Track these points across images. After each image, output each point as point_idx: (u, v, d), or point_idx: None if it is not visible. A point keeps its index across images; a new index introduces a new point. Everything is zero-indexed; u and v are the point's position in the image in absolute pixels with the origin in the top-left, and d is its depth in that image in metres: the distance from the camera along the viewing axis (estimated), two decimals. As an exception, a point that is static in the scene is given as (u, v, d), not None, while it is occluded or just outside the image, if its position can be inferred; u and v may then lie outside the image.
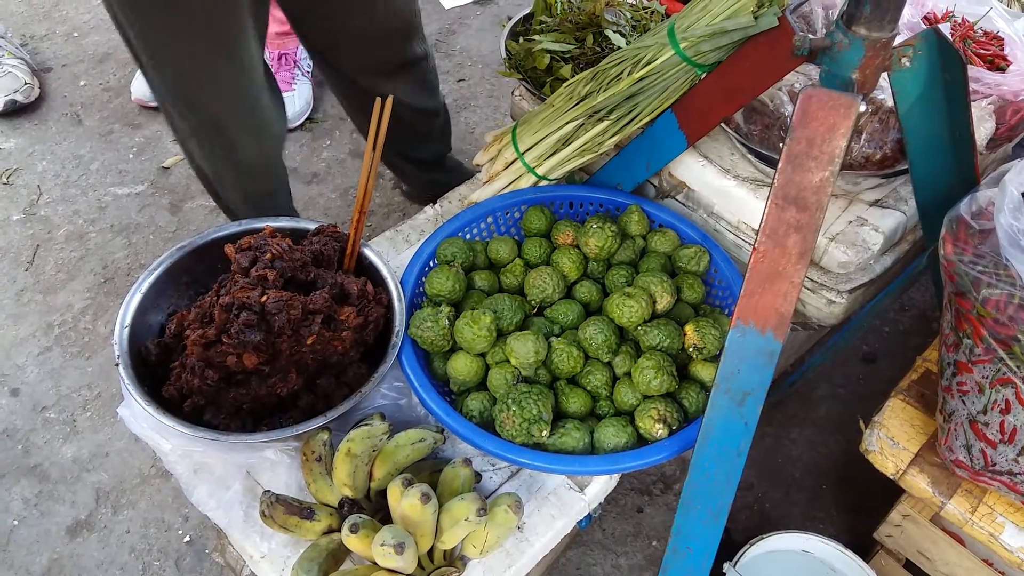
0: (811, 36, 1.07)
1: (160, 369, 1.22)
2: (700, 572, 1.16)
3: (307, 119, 2.60)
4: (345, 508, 1.13)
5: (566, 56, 1.59)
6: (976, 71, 1.37)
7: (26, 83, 2.62)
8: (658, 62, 1.30)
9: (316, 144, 2.55)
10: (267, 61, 1.95)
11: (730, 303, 1.34)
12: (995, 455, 1.11)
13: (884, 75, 1.09)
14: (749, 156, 1.42)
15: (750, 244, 1.44)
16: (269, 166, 1.78)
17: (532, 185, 1.49)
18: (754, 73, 1.21)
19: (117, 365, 1.18)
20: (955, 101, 1.14)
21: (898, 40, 1.05)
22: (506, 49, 1.67)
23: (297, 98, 2.55)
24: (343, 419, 1.16)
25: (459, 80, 2.82)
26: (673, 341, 1.24)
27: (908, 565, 1.49)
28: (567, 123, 1.40)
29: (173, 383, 1.19)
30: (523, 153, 1.46)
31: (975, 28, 1.53)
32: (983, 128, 1.34)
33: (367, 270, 1.34)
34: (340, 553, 1.10)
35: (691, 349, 1.24)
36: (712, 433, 1.08)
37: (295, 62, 2.56)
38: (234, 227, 1.33)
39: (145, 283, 1.27)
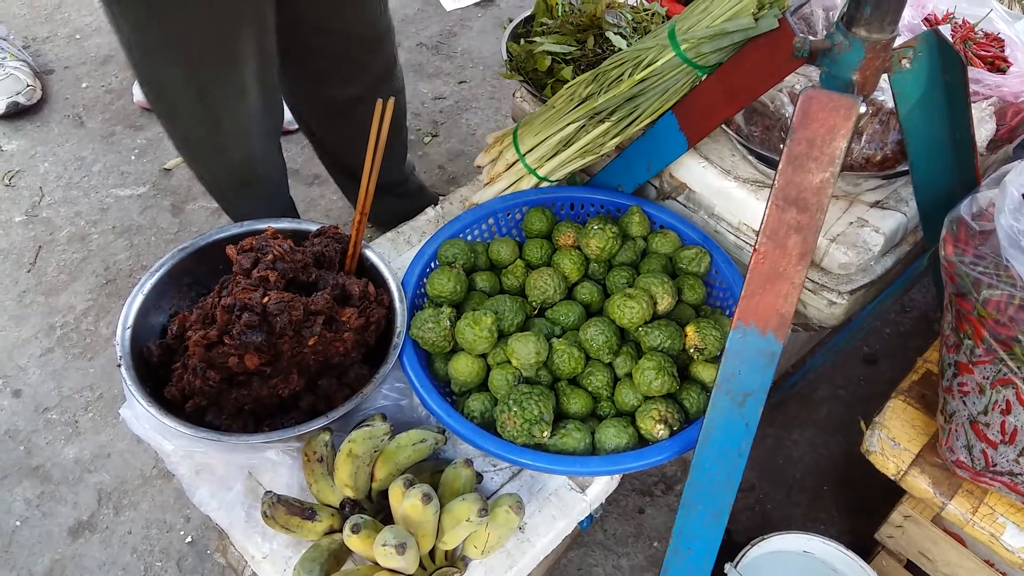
0: (811, 38, 1.07)
1: (162, 370, 1.23)
2: (701, 573, 1.16)
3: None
4: (346, 509, 1.13)
5: (567, 58, 1.60)
6: (976, 72, 1.37)
7: (28, 85, 2.63)
8: (659, 64, 1.30)
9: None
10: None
11: (731, 304, 1.35)
12: (996, 456, 1.11)
13: (884, 76, 1.10)
14: (750, 157, 1.42)
15: (751, 245, 1.45)
16: (265, 161, 1.77)
17: (533, 186, 1.49)
18: (755, 74, 1.21)
19: (119, 366, 1.18)
20: (955, 102, 1.14)
21: (898, 42, 1.05)
22: (507, 51, 1.68)
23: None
24: (345, 420, 1.17)
25: (460, 82, 2.82)
26: (674, 342, 1.24)
27: (909, 566, 1.49)
28: (568, 124, 1.40)
29: (175, 384, 1.19)
30: (524, 155, 1.46)
31: (976, 30, 1.53)
32: (983, 129, 1.34)
33: (368, 271, 1.34)
34: (342, 553, 1.10)
35: (692, 350, 1.25)
36: (713, 434, 1.08)
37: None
38: (236, 228, 1.34)
39: (147, 284, 1.27)
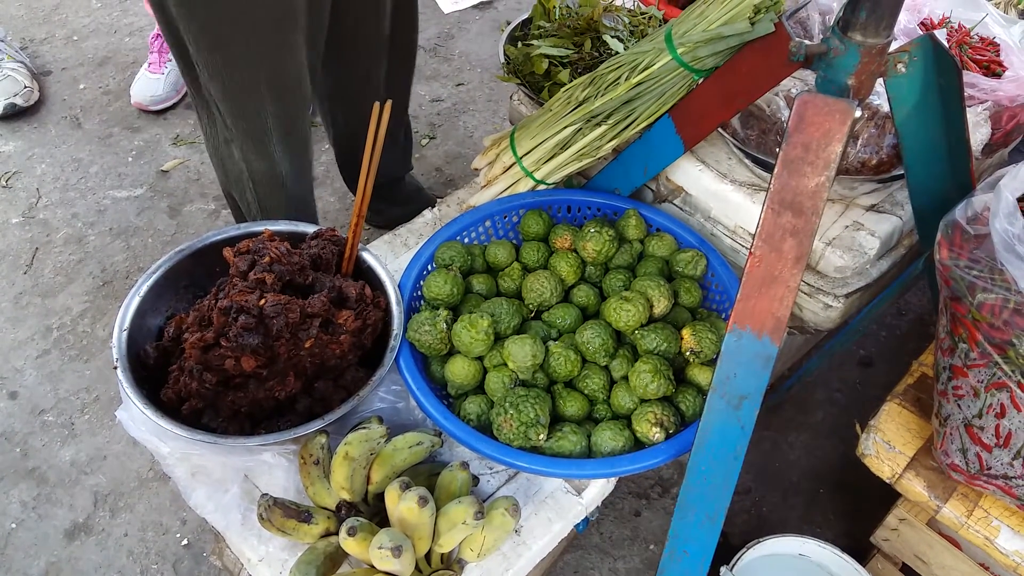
0: (807, 42, 1.08)
1: (158, 372, 1.22)
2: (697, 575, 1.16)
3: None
4: (343, 511, 1.13)
5: (564, 61, 1.60)
6: (972, 76, 1.38)
7: (26, 86, 2.63)
8: (655, 67, 1.30)
9: (314, 148, 2.55)
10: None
11: (727, 307, 1.35)
12: (990, 459, 1.11)
13: (880, 81, 1.10)
14: (746, 161, 1.43)
15: (747, 248, 1.45)
16: (307, 171, 1.77)
17: (530, 189, 1.49)
18: (751, 78, 1.22)
19: (115, 368, 1.18)
20: (951, 107, 1.15)
21: (894, 46, 1.06)
22: (504, 54, 1.68)
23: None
24: (341, 422, 1.17)
25: (458, 84, 2.83)
26: (670, 345, 1.25)
27: (905, 569, 1.49)
28: (565, 127, 1.41)
29: (171, 386, 1.19)
30: (521, 157, 1.46)
31: (971, 34, 1.54)
32: (979, 133, 1.35)
33: (365, 274, 1.34)
34: (338, 556, 1.10)
35: (688, 353, 1.25)
36: (709, 437, 1.08)
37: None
38: (232, 230, 1.34)
39: (144, 286, 1.27)
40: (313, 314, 1.18)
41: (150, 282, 1.28)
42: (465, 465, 1.15)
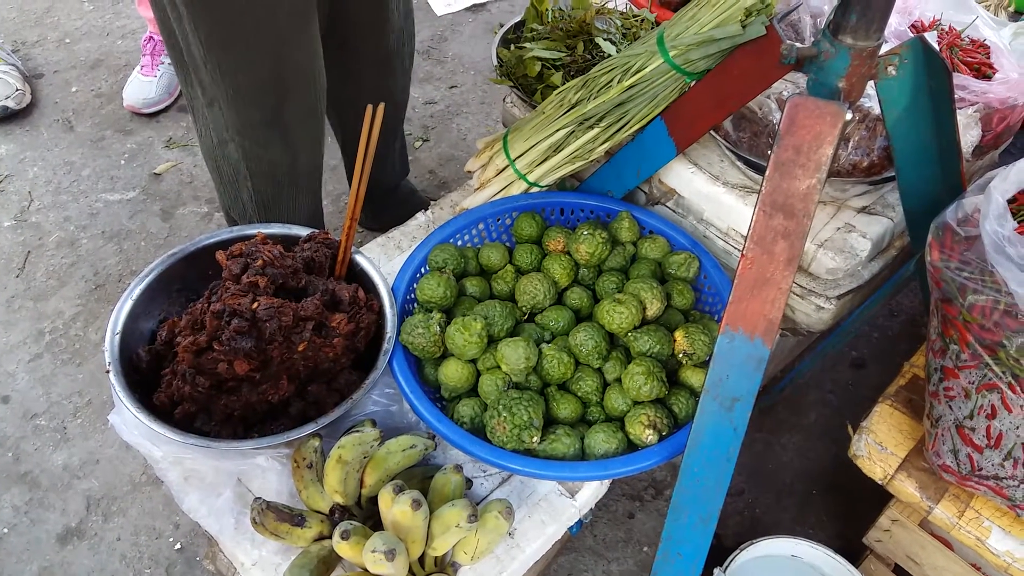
0: (798, 45, 1.08)
1: (151, 376, 1.22)
2: (690, 577, 1.17)
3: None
4: (336, 515, 1.13)
5: (557, 63, 1.60)
6: (962, 79, 1.39)
7: (17, 89, 2.62)
8: (648, 70, 1.31)
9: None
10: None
11: (720, 309, 1.35)
12: (981, 460, 1.11)
13: (871, 83, 1.10)
14: (738, 163, 1.43)
15: (739, 250, 1.45)
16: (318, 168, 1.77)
17: (523, 192, 1.50)
18: (742, 81, 1.22)
19: (108, 372, 1.18)
20: (941, 109, 1.15)
21: (885, 49, 1.06)
22: (497, 56, 1.68)
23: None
24: (334, 426, 1.16)
25: (451, 87, 2.83)
26: (663, 347, 1.25)
27: (897, 570, 1.49)
28: (558, 130, 1.41)
29: (164, 390, 1.19)
30: (514, 160, 1.47)
31: (962, 36, 1.54)
32: (969, 135, 1.36)
33: (358, 276, 1.34)
34: (331, 560, 1.10)
35: (681, 355, 1.25)
36: (702, 439, 1.09)
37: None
38: (225, 234, 1.34)
39: (136, 290, 1.27)
40: (306, 317, 1.18)
41: (143, 285, 1.28)
42: (459, 468, 1.15)
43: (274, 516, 1.09)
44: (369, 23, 1.69)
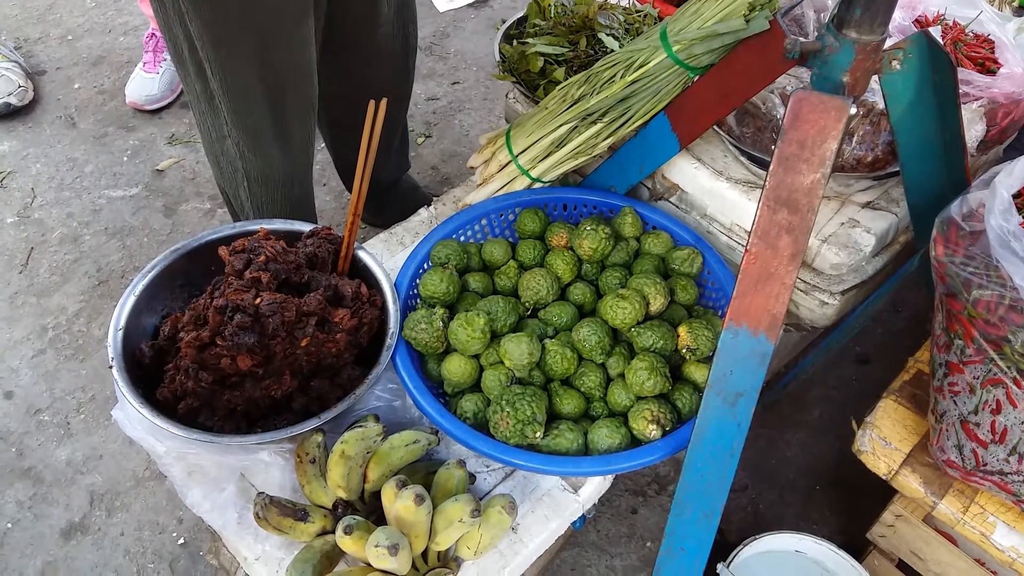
0: (802, 39, 1.07)
1: (154, 371, 1.22)
2: (694, 572, 1.16)
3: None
4: (339, 510, 1.13)
5: (559, 59, 1.60)
6: (966, 73, 1.38)
7: (20, 86, 2.62)
8: (651, 65, 1.30)
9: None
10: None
11: (723, 304, 1.35)
12: (986, 455, 1.11)
13: (875, 78, 1.10)
14: (742, 158, 1.43)
15: (743, 246, 1.45)
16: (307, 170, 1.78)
17: (526, 187, 1.49)
18: (746, 76, 1.22)
19: (111, 367, 1.18)
20: (946, 104, 1.15)
21: (889, 43, 1.06)
22: (500, 52, 1.68)
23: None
24: (337, 421, 1.16)
25: (453, 83, 2.82)
26: (666, 342, 1.25)
27: (901, 565, 1.49)
28: (561, 125, 1.40)
29: (167, 385, 1.19)
30: (517, 155, 1.46)
31: (966, 31, 1.54)
32: (973, 130, 1.35)
33: (361, 272, 1.34)
34: (334, 555, 1.10)
35: (684, 350, 1.25)
36: (705, 434, 1.09)
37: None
38: (228, 229, 1.34)
39: (139, 285, 1.27)
40: (309, 313, 1.18)
41: (145, 281, 1.28)
42: (462, 463, 1.15)
43: (277, 511, 1.09)
44: (361, 18, 1.68)
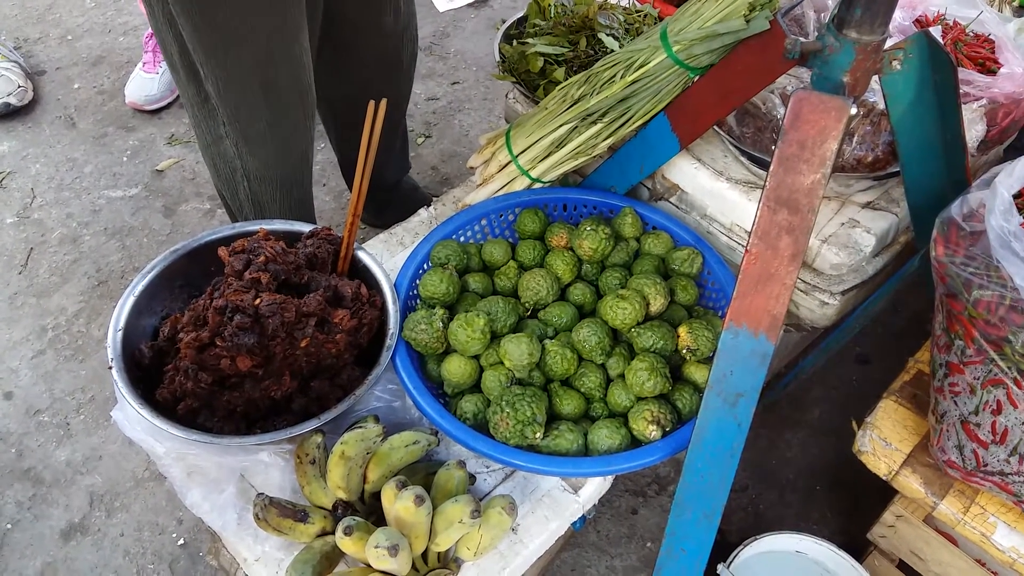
0: (802, 39, 1.07)
1: (154, 372, 1.22)
2: (694, 573, 1.16)
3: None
4: (339, 510, 1.13)
5: (559, 59, 1.60)
6: (967, 73, 1.38)
7: (19, 86, 2.62)
8: (651, 65, 1.30)
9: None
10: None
11: (724, 305, 1.35)
12: (987, 455, 1.11)
13: (876, 78, 1.10)
14: (742, 159, 1.43)
15: (743, 246, 1.45)
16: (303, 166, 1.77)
17: (526, 187, 1.49)
18: (746, 76, 1.22)
19: (110, 368, 1.18)
20: (946, 104, 1.15)
21: (889, 43, 1.06)
22: (500, 52, 1.68)
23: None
24: (337, 422, 1.16)
25: (453, 83, 2.82)
26: (666, 343, 1.24)
27: (901, 565, 1.49)
28: (560, 126, 1.40)
29: (167, 386, 1.19)
30: (517, 156, 1.46)
31: (966, 31, 1.54)
32: (974, 130, 1.35)
33: (361, 273, 1.34)
34: (334, 555, 1.10)
35: (684, 351, 1.25)
36: (705, 434, 1.08)
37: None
38: (228, 230, 1.33)
39: (139, 286, 1.27)
40: (309, 313, 1.18)
41: (145, 282, 1.27)
42: (462, 464, 1.15)
43: (277, 512, 1.09)
44: (362, 20, 1.69)
